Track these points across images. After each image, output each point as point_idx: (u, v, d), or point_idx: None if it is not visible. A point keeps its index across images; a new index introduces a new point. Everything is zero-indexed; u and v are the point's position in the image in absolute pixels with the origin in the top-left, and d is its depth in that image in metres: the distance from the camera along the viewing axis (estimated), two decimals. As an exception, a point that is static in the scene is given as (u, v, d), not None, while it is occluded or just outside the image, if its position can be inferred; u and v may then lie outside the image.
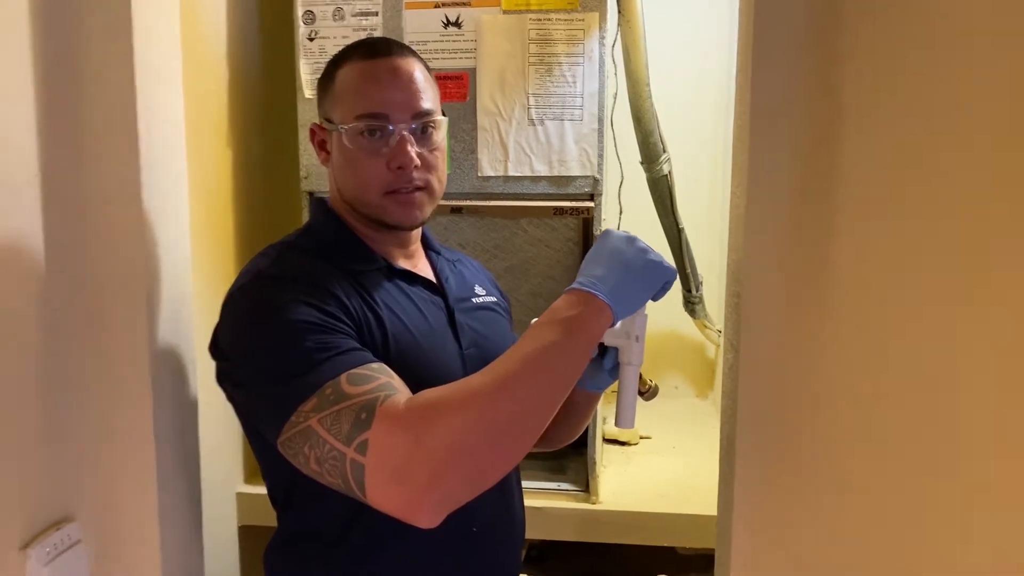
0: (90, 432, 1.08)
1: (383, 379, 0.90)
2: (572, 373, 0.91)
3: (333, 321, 0.96)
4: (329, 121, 1.09)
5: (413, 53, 1.10)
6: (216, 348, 1.04)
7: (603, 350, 1.08)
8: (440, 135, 1.09)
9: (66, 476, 1.05)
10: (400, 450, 0.83)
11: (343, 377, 0.89)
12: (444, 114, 1.11)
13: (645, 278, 0.97)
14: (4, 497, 0.94)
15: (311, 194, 1.74)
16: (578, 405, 1.19)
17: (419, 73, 1.08)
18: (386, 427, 0.84)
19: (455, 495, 0.86)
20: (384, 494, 0.85)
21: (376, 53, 1.07)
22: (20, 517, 0.97)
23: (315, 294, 0.98)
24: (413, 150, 1.05)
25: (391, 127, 1.04)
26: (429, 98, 1.07)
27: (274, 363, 0.94)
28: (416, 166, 1.05)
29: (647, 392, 1.14)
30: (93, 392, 1.07)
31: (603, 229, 1.05)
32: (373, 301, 1.03)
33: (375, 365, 0.93)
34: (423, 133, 1.07)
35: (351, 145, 1.05)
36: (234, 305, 1.02)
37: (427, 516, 0.84)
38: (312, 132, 1.14)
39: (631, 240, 0.99)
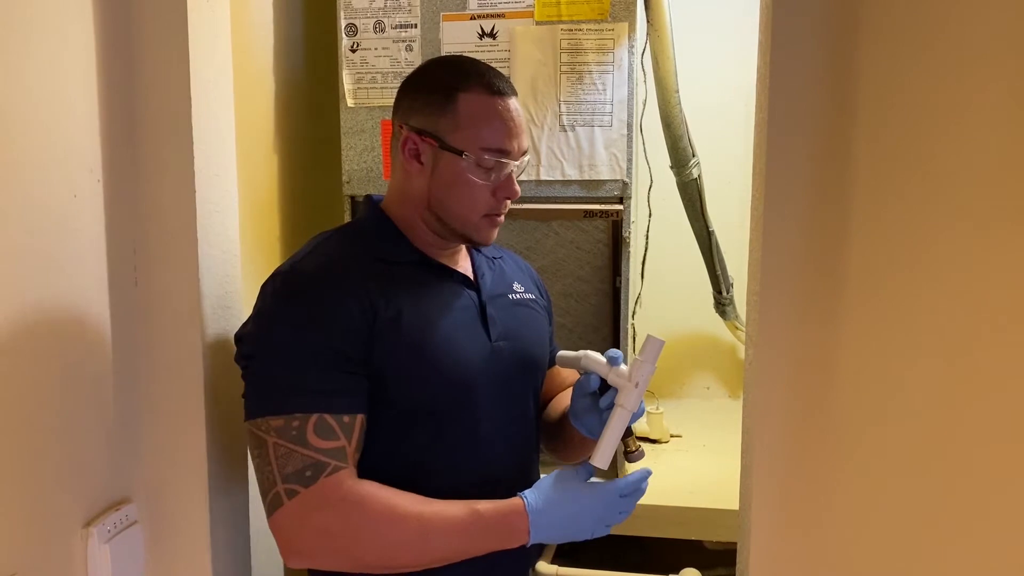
0: (147, 421, 1.15)
1: (341, 442, 1.02)
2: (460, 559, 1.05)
3: (335, 348, 1.04)
4: (440, 139, 1.12)
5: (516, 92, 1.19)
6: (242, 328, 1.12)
7: (604, 387, 1.12)
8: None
9: (125, 460, 1.11)
10: (309, 524, 1.00)
11: (314, 418, 1.01)
12: None
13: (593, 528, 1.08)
14: (70, 478, 1.02)
15: (352, 198, 1.81)
16: (578, 440, 1.21)
17: (524, 115, 1.19)
18: (316, 500, 1.00)
19: (316, 568, 1.06)
20: (276, 530, 1.02)
21: (501, 92, 1.13)
22: (84, 497, 1.04)
23: (330, 305, 1.05)
24: (517, 184, 1.16)
25: (507, 162, 1.13)
26: (528, 138, 1.19)
27: (268, 364, 1.05)
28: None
29: (633, 453, 1.12)
30: (150, 384, 1.14)
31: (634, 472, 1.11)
32: (397, 294, 1.09)
33: (346, 419, 1.03)
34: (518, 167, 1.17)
35: (468, 171, 1.12)
36: (262, 296, 1.09)
37: (292, 564, 1.04)
38: (405, 139, 1.14)
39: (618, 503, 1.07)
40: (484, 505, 1.03)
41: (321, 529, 1.00)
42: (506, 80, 1.17)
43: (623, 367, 1.09)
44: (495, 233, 1.18)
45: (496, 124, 1.12)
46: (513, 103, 1.14)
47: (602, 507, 1.06)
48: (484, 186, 1.12)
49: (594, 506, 1.06)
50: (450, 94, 1.12)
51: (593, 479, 1.09)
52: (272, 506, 1.01)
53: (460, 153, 1.11)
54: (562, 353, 1.19)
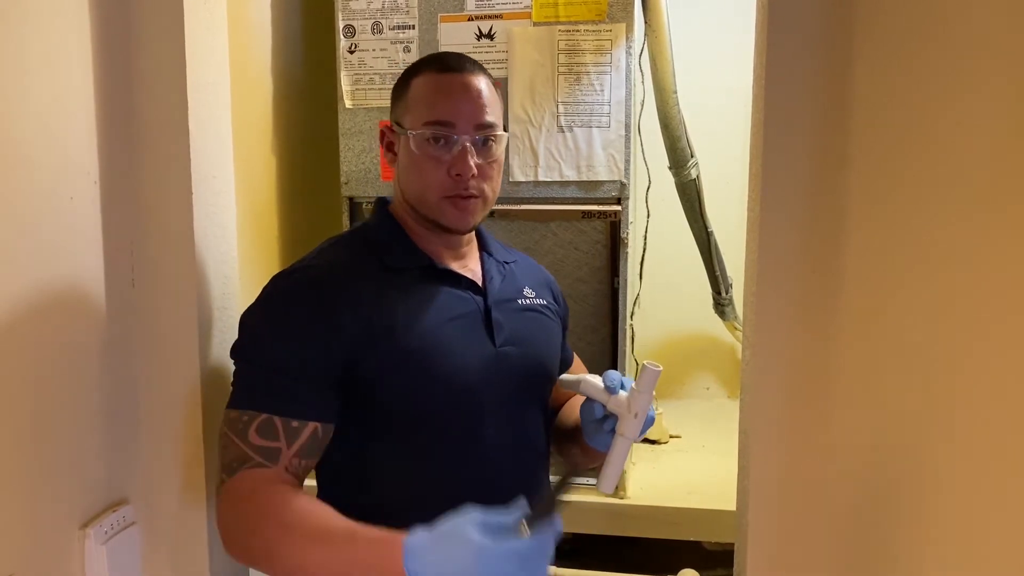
0: (144, 422, 1.14)
1: (279, 444, 1.02)
2: None
3: (308, 357, 1.04)
4: (399, 125, 1.15)
5: (483, 70, 1.16)
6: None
7: (607, 413, 1.11)
8: (500, 148, 1.15)
9: (122, 462, 1.11)
10: (221, 514, 1.02)
11: (261, 418, 1.02)
12: (506, 130, 1.17)
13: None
14: (67, 479, 1.02)
15: (351, 199, 1.81)
16: (594, 454, 1.20)
17: (486, 89, 1.14)
18: (231, 492, 1.01)
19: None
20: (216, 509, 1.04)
21: (450, 68, 1.13)
22: (81, 498, 1.04)
23: (316, 313, 1.05)
24: (473, 160, 1.10)
25: (455, 136, 1.10)
26: (493, 112, 1.14)
27: (243, 360, 1.08)
28: (473, 175, 1.11)
29: None
30: (147, 385, 1.14)
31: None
32: (395, 301, 1.09)
33: (295, 424, 1.03)
34: (484, 145, 1.12)
35: (417, 150, 1.12)
36: (263, 291, 1.10)
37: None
38: (382, 133, 1.20)
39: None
40: (366, 529, 0.93)
41: (226, 521, 1.01)
42: (469, 60, 1.16)
43: (622, 395, 1.09)
44: (468, 217, 1.13)
45: (438, 98, 1.12)
46: (465, 78, 1.12)
47: (496, 563, 0.84)
48: (435, 163, 1.11)
49: (486, 560, 0.84)
50: (407, 81, 1.15)
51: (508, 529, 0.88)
52: (216, 491, 1.05)
53: (407, 132, 1.12)
54: (563, 377, 1.20)
